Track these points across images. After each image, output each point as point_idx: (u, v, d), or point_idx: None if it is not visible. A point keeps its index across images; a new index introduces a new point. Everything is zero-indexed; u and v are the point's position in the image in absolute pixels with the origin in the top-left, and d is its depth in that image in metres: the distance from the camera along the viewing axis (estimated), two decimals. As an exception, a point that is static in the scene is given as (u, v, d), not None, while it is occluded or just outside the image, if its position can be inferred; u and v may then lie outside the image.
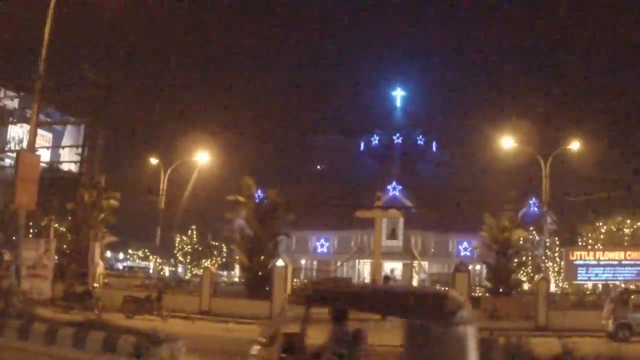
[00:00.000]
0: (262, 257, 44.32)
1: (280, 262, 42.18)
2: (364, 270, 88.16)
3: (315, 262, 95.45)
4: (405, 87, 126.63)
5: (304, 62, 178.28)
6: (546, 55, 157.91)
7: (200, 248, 77.90)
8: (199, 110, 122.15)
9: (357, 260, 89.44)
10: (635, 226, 53.71)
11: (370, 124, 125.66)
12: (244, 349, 15.88)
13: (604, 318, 34.75)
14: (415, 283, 74.01)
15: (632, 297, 35.25)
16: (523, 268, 50.34)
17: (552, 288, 50.25)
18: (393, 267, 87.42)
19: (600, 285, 48.01)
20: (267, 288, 42.11)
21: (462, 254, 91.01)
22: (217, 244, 78.40)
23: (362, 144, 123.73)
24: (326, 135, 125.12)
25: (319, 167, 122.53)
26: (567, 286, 50.47)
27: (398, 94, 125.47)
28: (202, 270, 50.11)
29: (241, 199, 45.78)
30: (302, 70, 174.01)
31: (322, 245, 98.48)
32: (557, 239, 60.76)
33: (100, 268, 45.41)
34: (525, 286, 50.69)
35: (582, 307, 41.46)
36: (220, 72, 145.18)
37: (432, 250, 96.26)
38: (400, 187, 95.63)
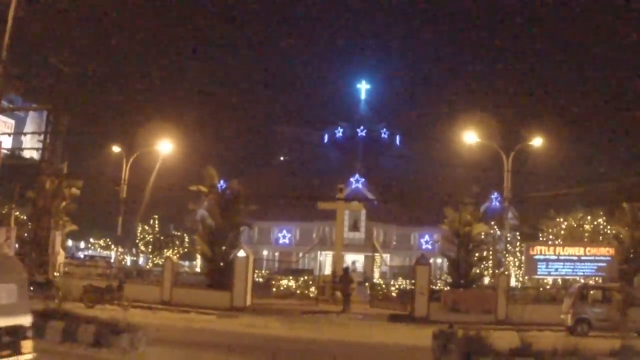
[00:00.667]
0: (223, 248, 44.15)
1: (241, 253, 42.08)
2: (325, 261, 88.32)
3: (277, 253, 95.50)
4: (370, 81, 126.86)
5: (269, 52, 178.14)
6: (510, 51, 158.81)
7: (162, 238, 77.56)
8: (163, 100, 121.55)
9: (318, 252, 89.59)
10: (595, 222, 54.22)
11: (334, 116, 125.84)
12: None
13: (563, 312, 35.16)
14: (376, 275, 74.33)
15: (591, 292, 35.71)
16: (484, 262, 50.64)
17: (513, 282, 50.62)
18: (355, 259, 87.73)
19: (560, 280, 48.41)
20: (229, 278, 42.04)
21: (424, 247, 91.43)
22: (179, 234, 78.17)
23: (326, 136, 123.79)
24: (290, 127, 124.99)
25: (282, 158, 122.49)
26: (527, 280, 50.84)
27: (363, 87, 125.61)
28: (163, 260, 49.91)
29: (203, 189, 45.58)
30: (267, 61, 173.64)
31: (284, 237, 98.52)
32: (518, 233, 61.23)
33: (61, 257, 45.13)
34: (486, 280, 51.01)
35: (542, 302, 41.85)
36: (185, 61, 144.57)
37: (394, 243, 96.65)
38: (363, 179, 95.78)
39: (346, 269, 47.40)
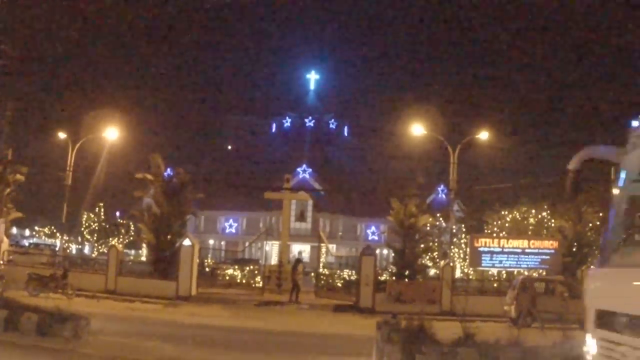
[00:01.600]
0: (169, 236, 43.90)
1: (187, 242, 41.91)
2: (271, 251, 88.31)
3: (223, 242, 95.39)
4: (320, 71, 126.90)
5: (218, 41, 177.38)
6: (460, 45, 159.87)
7: (107, 226, 77.09)
8: (111, 86, 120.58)
9: (265, 242, 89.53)
10: (539, 216, 54.86)
11: (283, 106, 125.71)
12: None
13: (507, 304, 35.66)
14: (322, 265, 74.60)
15: (535, 284, 36.30)
16: (429, 253, 51.03)
17: (458, 274, 51.08)
18: (301, 249, 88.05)
19: (504, 273, 48.90)
20: (174, 267, 41.86)
21: (370, 237, 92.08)
22: (124, 222, 77.70)
23: (274, 126, 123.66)
24: (238, 116, 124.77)
25: (230, 147, 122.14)
26: (471, 272, 51.30)
27: (312, 77, 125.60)
28: (108, 249, 49.51)
29: (149, 176, 45.22)
30: (216, 50, 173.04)
31: (230, 226, 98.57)
32: (463, 225, 61.72)
33: (4, 244, 44.54)
34: (432, 271, 51.39)
35: (486, 293, 42.37)
36: (135, 48, 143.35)
37: (340, 233, 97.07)
38: (310, 170, 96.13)
39: (298, 260, 47.55)
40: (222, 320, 31.10)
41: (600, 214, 51.86)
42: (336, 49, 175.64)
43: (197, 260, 43.40)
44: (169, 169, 49.21)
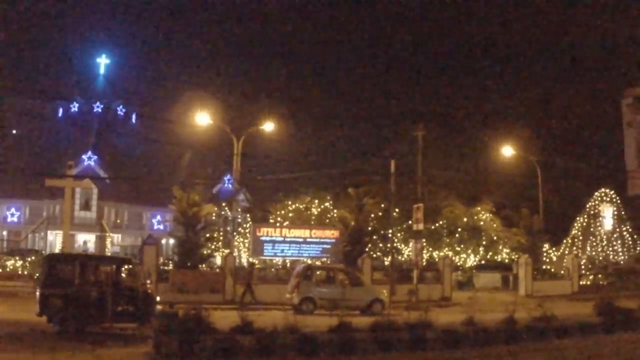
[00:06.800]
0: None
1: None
2: (56, 241, 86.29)
3: (5, 232, 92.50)
4: (110, 55, 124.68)
5: (3, 18, 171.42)
6: (254, 36, 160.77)
7: None
8: None
9: (48, 231, 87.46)
10: (322, 206, 56.13)
11: (70, 90, 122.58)
12: None
13: (289, 292, 36.51)
14: (108, 255, 73.73)
15: (316, 272, 37.41)
16: (213, 243, 51.39)
17: (245, 263, 51.65)
18: (86, 239, 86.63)
19: (288, 262, 49.77)
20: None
21: (156, 227, 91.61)
22: None
23: (61, 111, 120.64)
24: (23, 99, 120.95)
25: (14, 131, 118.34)
26: (256, 262, 51.95)
27: (102, 62, 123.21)
28: None
29: None
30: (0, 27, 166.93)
31: (12, 215, 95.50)
32: (249, 215, 62.26)
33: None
34: (219, 261, 51.78)
35: (270, 282, 43.12)
36: None
37: (126, 222, 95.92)
38: (96, 157, 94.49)
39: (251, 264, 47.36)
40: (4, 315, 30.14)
41: (382, 205, 53.83)
42: (128, 34, 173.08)
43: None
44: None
